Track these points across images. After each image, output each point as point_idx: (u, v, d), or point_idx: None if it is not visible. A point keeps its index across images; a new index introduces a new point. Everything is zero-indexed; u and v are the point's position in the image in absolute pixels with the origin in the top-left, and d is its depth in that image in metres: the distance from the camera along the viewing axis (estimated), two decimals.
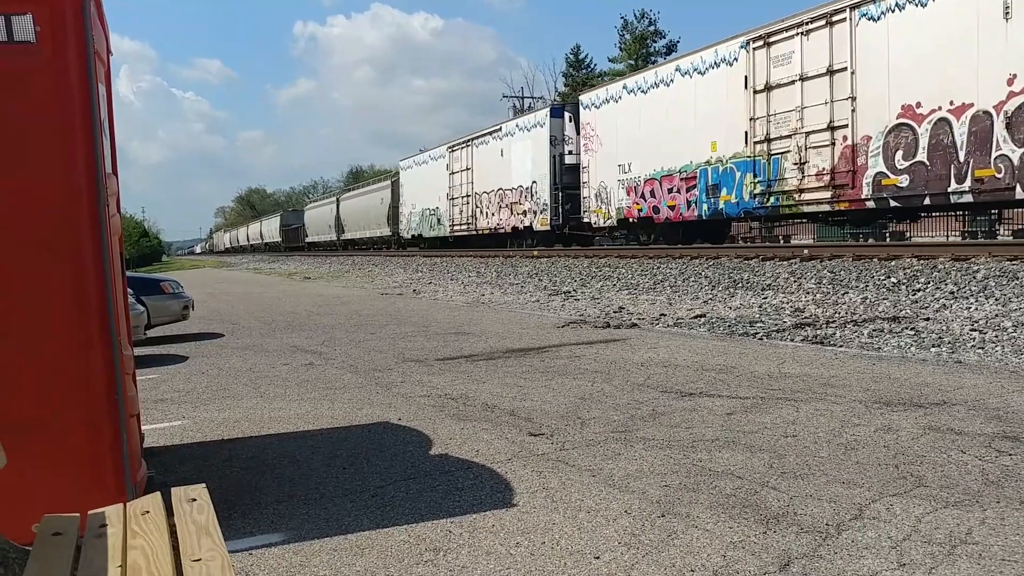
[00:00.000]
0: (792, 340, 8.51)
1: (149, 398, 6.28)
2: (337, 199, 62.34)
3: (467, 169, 35.41)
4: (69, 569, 1.84)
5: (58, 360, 3.20)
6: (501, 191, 32.28)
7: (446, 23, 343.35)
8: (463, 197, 35.98)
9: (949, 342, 7.72)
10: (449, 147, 37.96)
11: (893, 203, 16.36)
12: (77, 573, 1.82)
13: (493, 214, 33.18)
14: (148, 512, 2.08)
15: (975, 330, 8.16)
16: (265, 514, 3.63)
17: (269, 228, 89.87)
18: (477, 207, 34.61)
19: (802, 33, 17.93)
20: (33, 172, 3.14)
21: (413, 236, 43.17)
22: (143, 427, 4.36)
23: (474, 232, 35.30)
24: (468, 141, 35.80)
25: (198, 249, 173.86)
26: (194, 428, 5.39)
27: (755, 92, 19.24)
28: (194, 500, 2.12)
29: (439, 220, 39.19)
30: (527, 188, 30.15)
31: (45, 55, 3.11)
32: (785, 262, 14.90)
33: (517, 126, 31.36)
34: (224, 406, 6.06)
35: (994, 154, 14.14)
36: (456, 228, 37.18)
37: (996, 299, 9.59)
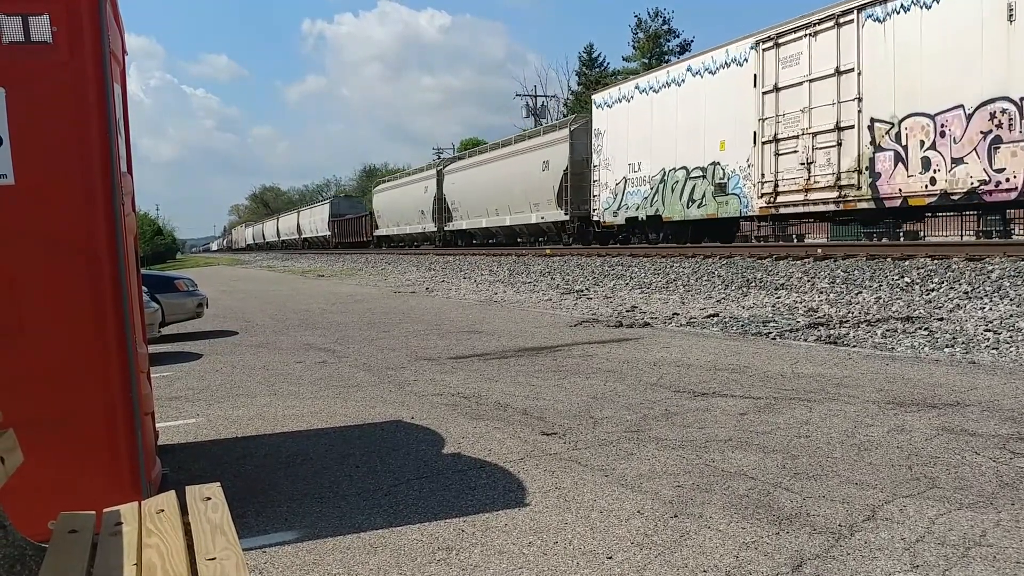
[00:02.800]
0: (805, 340, 8.48)
1: (163, 396, 6.32)
2: (439, 171, 42.35)
3: (835, 74, 17.02)
4: (85, 567, 1.85)
5: (73, 357, 3.22)
6: (993, 106, 13.98)
7: (454, 19, 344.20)
8: (819, 134, 17.48)
9: (963, 342, 7.67)
10: (765, 40, 18.81)
11: None
12: (93, 571, 1.83)
13: (955, 163, 14.63)
14: (163, 511, 2.10)
15: (989, 330, 8.10)
16: (279, 512, 3.65)
17: (311, 220, 72.85)
18: (877, 150, 16.15)
19: None
20: (50, 171, 3.16)
21: (629, 220, 24.70)
22: (157, 424, 4.39)
23: (867, 202, 16.58)
24: (839, 15, 16.84)
25: (214, 246, 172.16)
26: (208, 426, 5.42)
27: None
28: (208, 499, 2.13)
29: (723, 187, 20.34)
30: None
31: (61, 55, 3.13)
32: (798, 261, 14.82)
33: None
34: (238, 404, 6.09)
35: None
36: (785, 198, 18.60)
37: (1011, 299, 9.52)
